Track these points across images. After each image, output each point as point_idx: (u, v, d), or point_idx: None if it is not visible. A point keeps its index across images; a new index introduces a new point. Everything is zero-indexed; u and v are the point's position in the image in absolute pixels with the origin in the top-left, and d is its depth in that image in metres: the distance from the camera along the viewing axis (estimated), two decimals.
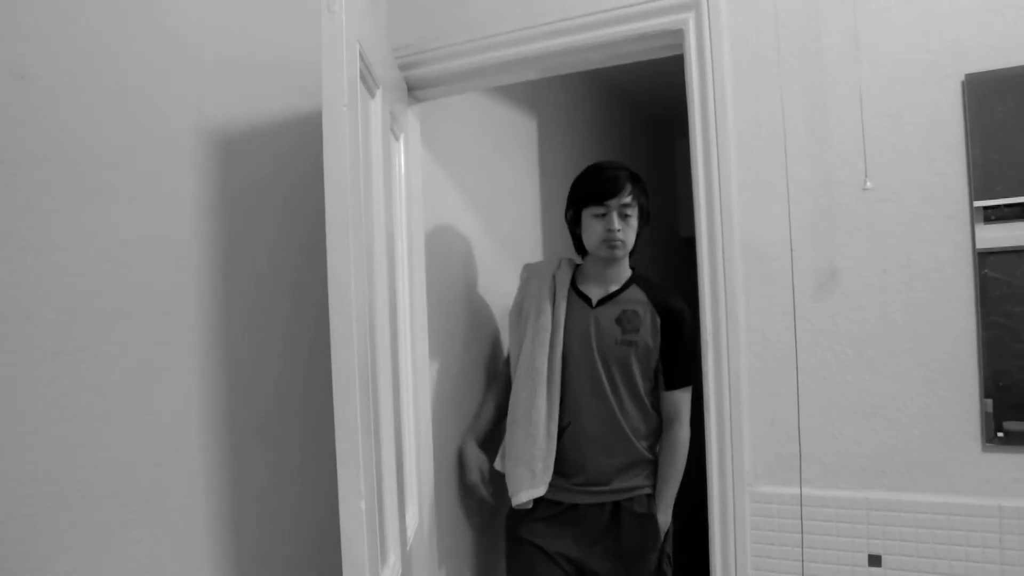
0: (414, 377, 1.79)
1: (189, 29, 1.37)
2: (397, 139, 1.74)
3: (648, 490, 1.95)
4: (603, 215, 1.91)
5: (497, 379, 2.29)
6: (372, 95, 1.42)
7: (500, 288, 2.46)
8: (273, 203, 1.52)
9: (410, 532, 1.62)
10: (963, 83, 1.35)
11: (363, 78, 1.32)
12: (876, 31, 1.41)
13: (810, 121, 1.46)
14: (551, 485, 1.94)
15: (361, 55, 1.27)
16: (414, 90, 1.86)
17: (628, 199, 1.91)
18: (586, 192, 1.95)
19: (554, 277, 2.05)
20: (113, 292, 1.20)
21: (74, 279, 1.14)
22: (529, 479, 1.91)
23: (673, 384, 1.97)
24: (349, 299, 1.13)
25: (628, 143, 3.81)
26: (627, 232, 1.93)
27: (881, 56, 1.41)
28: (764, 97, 1.49)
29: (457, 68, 1.78)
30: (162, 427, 1.26)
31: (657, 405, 2.00)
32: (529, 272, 2.12)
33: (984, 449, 1.33)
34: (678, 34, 1.57)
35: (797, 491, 1.46)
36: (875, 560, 1.39)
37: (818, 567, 1.43)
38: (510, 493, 1.93)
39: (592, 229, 1.93)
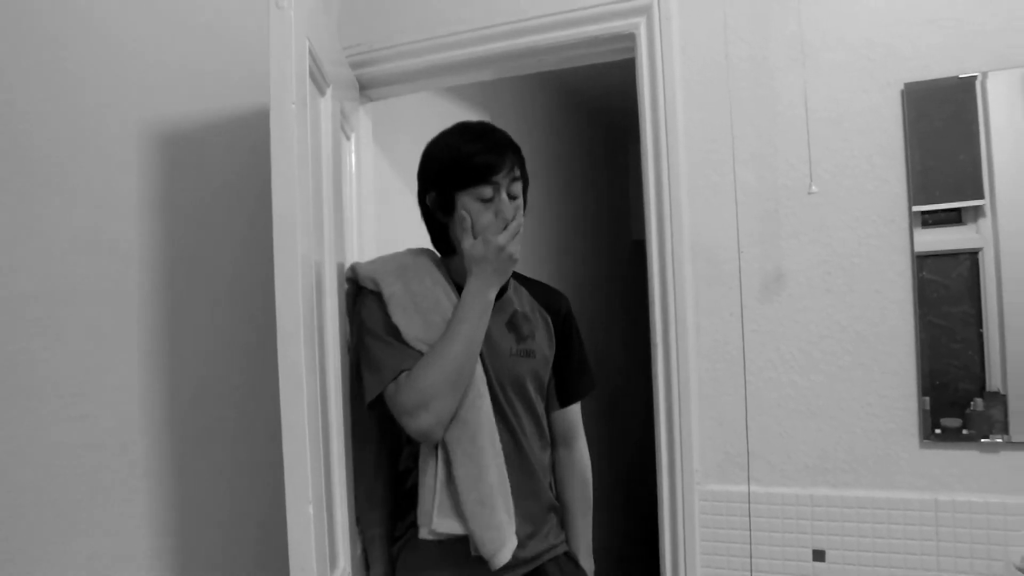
0: None
1: (133, 25, 1.34)
2: (348, 138, 1.72)
3: (565, 547, 1.48)
4: (490, 199, 1.34)
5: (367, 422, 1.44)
6: (322, 93, 1.41)
7: None
8: (222, 201, 1.49)
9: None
10: (903, 92, 1.39)
11: (313, 76, 1.30)
12: (821, 39, 1.45)
13: (757, 126, 1.49)
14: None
15: (311, 52, 1.26)
16: (366, 89, 1.84)
17: (517, 172, 1.37)
18: (465, 168, 1.34)
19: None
20: (53, 291, 1.16)
21: (9, 277, 1.10)
22: (508, 524, 1.30)
23: (571, 398, 1.54)
24: (296, 300, 1.12)
25: (581, 146, 3.83)
26: (519, 219, 1.36)
27: (825, 64, 1.44)
28: (713, 102, 1.52)
29: (410, 67, 1.77)
30: (103, 431, 1.23)
31: (549, 428, 1.52)
32: (396, 264, 1.41)
33: (922, 445, 1.38)
34: (630, 38, 1.59)
35: (744, 489, 1.48)
36: (819, 555, 1.43)
37: (765, 563, 1.45)
38: (488, 552, 1.26)
39: (477, 219, 1.34)
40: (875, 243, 1.41)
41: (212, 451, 1.43)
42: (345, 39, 1.79)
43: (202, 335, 1.43)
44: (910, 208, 1.38)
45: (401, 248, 1.53)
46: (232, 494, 1.46)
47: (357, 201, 1.77)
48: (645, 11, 1.55)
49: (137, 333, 1.30)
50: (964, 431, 1.34)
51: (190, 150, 1.42)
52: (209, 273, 1.45)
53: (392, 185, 2.10)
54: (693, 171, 1.53)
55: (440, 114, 2.44)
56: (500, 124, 2.83)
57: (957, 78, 1.35)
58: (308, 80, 1.25)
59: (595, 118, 3.99)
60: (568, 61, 1.73)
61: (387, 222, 2.02)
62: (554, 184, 3.30)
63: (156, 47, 1.38)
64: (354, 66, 1.78)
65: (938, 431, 1.36)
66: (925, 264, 1.37)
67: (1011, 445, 1.32)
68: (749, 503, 1.47)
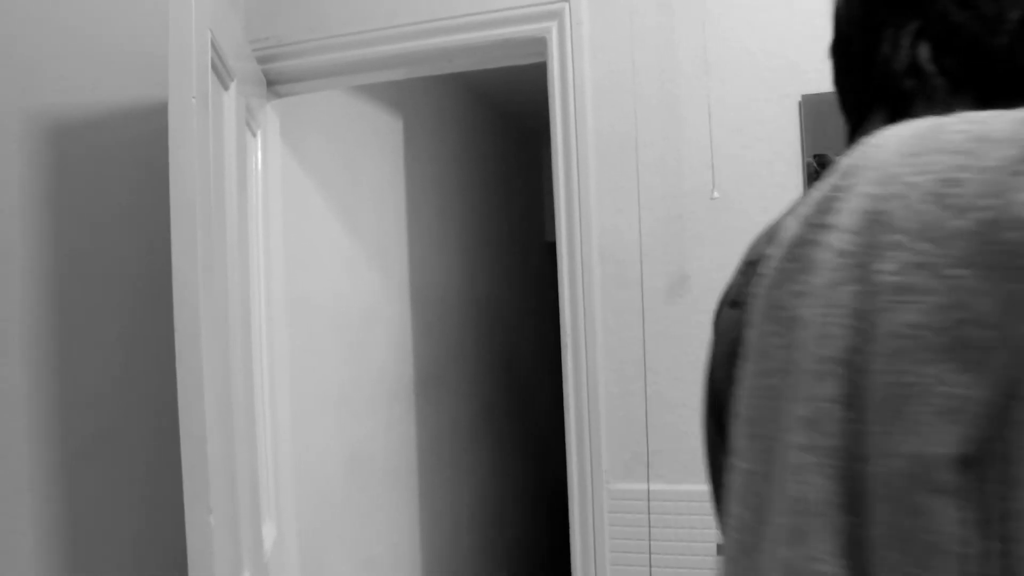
0: (270, 385, 1.72)
1: (17, 8, 1.26)
2: (254, 135, 1.67)
3: None
4: None
5: None
6: (226, 88, 1.36)
7: (363, 293, 2.41)
8: (117, 198, 1.42)
9: (268, 544, 1.55)
10: (800, 103, 1.46)
11: (216, 69, 1.26)
12: (724, 50, 1.50)
13: (664, 132, 1.53)
14: None
15: (213, 44, 1.21)
16: (274, 84, 1.79)
17: None
18: None
19: None
20: None
21: None
22: None
23: None
24: (196, 303, 1.07)
25: (496, 149, 3.85)
26: None
27: (728, 74, 1.50)
28: (621, 108, 1.55)
29: (320, 64, 1.73)
30: None
31: None
32: None
33: None
34: (541, 42, 1.60)
35: (650, 487, 1.52)
36: (723, 549, 1.47)
37: (671, 559, 1.49)
38: None
39: None
40: None
41: (106, 458, 1.35)
42: (252, 32, 1.73)
43: (94, 337, 1.35)
44: None
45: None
46: (130, 503, 1.39)
47: (263, 199, 1.71)
48: (556, 16, 1.57)
49: (19, 335, 1.22)
50: None
51: (82, 144, 1.34)
52: (102, 273, 1.38)
53: (300, 183, 2.05)
54: (602, 175, 1.56)
55: (351, 113, 2.40)
56: (414, 125, 2.82)
57: None
58: (210, 73, 1.20)
59: (510, 120, 4.01)
60: (481, 63, 1.73)
61: (294, 221, 1.97)
62: (468, 185, 3.29)
63: (44, 33, 1.30)
64: (261, 60, 1.72)
65: None
66: None
67: None
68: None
